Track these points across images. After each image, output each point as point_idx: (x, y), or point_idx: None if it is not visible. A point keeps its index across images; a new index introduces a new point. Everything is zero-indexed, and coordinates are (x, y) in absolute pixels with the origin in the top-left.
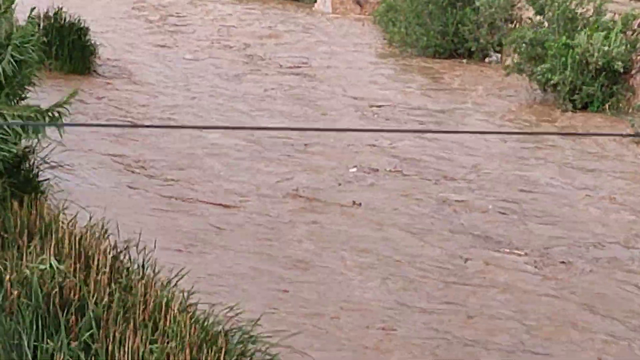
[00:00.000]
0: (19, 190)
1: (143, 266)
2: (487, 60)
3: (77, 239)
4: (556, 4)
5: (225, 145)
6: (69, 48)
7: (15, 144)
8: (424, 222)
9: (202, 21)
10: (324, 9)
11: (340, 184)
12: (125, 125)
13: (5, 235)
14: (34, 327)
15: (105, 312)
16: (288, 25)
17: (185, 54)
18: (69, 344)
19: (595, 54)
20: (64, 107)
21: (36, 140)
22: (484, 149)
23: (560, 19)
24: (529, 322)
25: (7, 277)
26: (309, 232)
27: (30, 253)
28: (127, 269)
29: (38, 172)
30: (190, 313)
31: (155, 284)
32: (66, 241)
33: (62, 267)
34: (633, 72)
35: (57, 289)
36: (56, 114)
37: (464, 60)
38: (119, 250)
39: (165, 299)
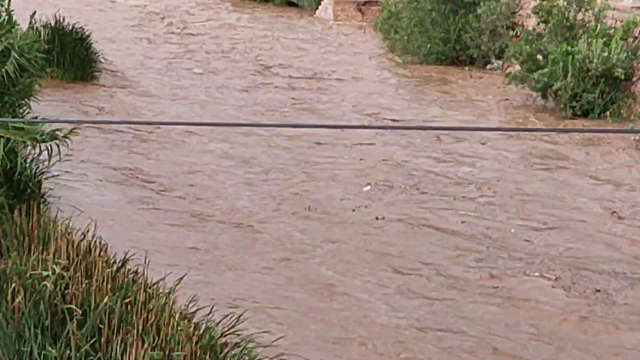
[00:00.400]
0: (20, 200)
1: (144, 275)
2: (488, 67)
3: (76, 247)
4: (554, 11)
5: (235, 156)
6: (70, 56)
7: (16, 153)
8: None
9: (205, 28)
10: (325, 16)
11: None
12: (124, 123)
13: (7, 243)
14: (37, 334)
15: (107, 321)
16: (292, 33)
17: (189, 63)
18: (70, 352)
19: (595, 61)
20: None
21: (37, 150)
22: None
23: (558, 27)
24: None
25: (10, 284)
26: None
27: (32, 261)
28: (129, 278)
29: (39, 182)
30: (191, 323)
31: (155, 292)
32: (67, 250)
33: (65, 274)
34: (634, 79)
35: (59, 297)
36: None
37: (466, 68)
38: (119, 260)
39: (166, 307)
